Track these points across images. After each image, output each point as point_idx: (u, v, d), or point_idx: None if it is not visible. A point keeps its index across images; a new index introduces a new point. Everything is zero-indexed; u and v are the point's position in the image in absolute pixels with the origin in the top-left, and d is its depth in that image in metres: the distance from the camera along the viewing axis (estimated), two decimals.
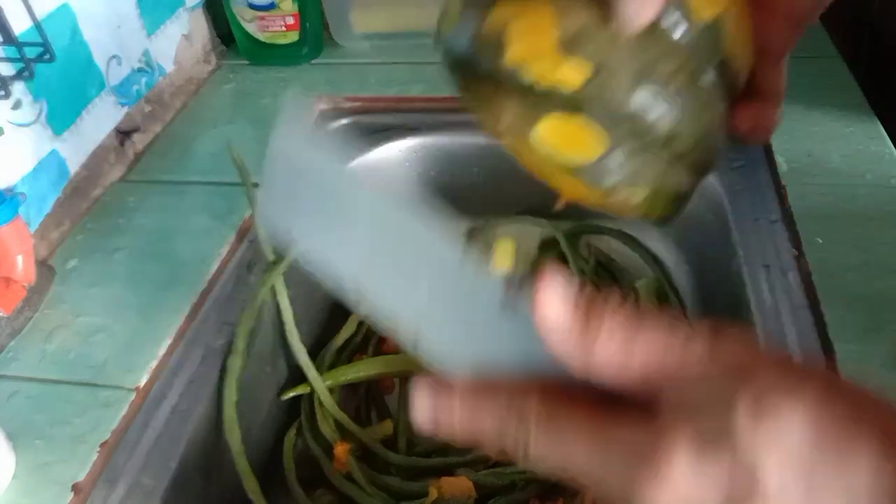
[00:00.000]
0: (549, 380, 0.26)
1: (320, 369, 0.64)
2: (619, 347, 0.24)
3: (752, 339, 0.24)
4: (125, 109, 0.73)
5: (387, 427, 0.63)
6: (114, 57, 0.70)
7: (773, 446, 0.21)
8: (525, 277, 0.27)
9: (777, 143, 0.67)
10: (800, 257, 0.57)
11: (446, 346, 0.28)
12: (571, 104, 0.29)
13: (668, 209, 0.33)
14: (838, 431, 0.21)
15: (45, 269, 0.62)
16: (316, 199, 0.29)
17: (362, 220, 0.29)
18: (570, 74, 0.29)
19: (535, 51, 0.29)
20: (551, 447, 0.25)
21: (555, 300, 0.25)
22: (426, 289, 0.28)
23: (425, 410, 0.27)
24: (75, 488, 0.47)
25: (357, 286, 0.29)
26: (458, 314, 0.28)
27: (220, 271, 0.62)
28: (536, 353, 0.26)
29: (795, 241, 0.58)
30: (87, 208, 0.70)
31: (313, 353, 0.64)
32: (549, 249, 0.75)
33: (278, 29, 0.86)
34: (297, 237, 0.30)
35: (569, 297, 0.25)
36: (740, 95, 0.34)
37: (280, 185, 0.30)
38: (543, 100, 0.30)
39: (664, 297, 0.71)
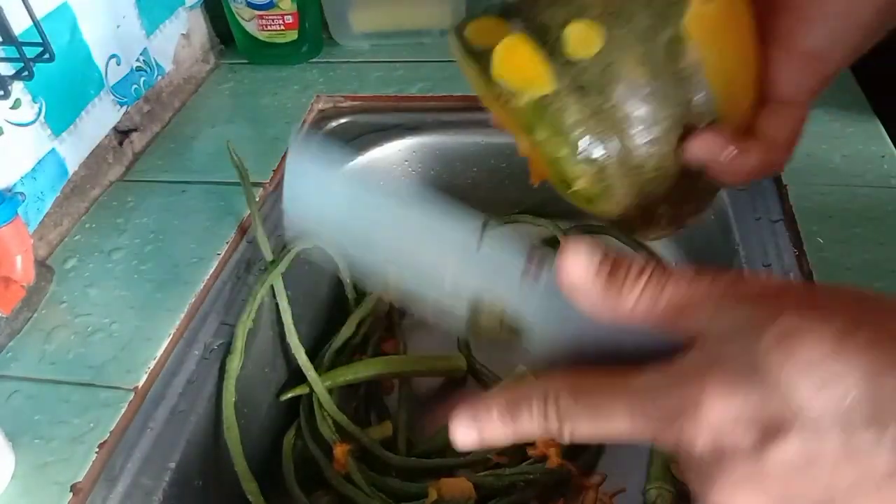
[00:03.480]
0: (573, 364, 0.27)
1: (319, 370, 0.63)
2: (646, 284, 0.25)
3: (775, 279, 0.25)
4: (124, 109, 0.73)
5: (386, 428, 0.63)
6: (113, 56, 0.70)
7: (805, 374, 0.21)
8: (544, 251, 0.28)
9: None
10: (801, 257, 0.57)
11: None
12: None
13: (635, 219, 0.33)
14: (867, 356, 0.21)
15: (44, 268, 0.62)
16: (339, 197, 0.30)
17: (384, 217, 0.30)
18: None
19: None
20: (592, 421, 0.25)
21: (580, 258, 0.26)
22: (450, 276, 0.29)
23: (470, 435, 0.28)
24: (74, 488, 0.47)
25: (384, 277, 0.30)
26: (487, 291, 0.29)
27: (218, 271, 0.62)
28: (562, 318, 0.27)
29: (796, 240, 0.58)
30: (86, 208, 0.70)
31: (312, 354, 0.64)
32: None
33: (277, 28, 0.86)
34: (321, 234, 0.31)
35: (594, 254, 0.26)
36: (739, 134, 0.33)
37: (303, 184, 0.31)
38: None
39: None
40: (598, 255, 0.26)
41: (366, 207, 0.30)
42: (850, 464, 0.21)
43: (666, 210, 0.32)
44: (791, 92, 0.34)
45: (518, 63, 0.30)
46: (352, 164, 0.76)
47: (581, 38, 0.29)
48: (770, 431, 0.22)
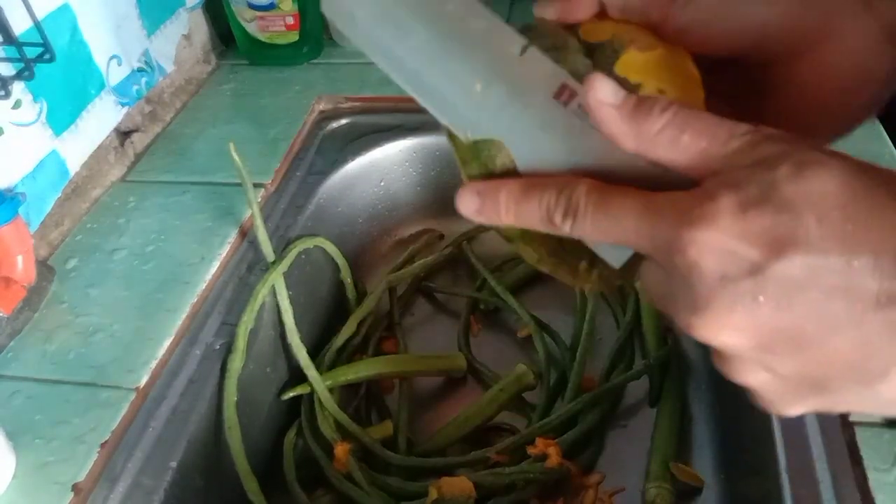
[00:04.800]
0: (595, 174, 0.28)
1: (320, 369, 0.64)
2: (671, 119, 0.26)
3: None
4: (125, 109, 0.73)
5: (387, 427, 0.63)
6: (114, 57, 0.70)
7: (815, 199, 0.23)
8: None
9: None
10: None
11: (500, 137, 0.29)
12: None
13: (560, 268, 0.33)
14: (872, 195, 0.23)
15: (45, 269, 0.62)
16: None
17: (422, 9, 0.30)
18: None
19: None
20: (600, 214, 0.26)
21: (611, 83, 0.26)
22: (482, 79, 0.29)
23: (471, 199, 0.29)
24: (75, 488, 0.47)
25: (414, 75, 0.30)
26: (511, 104, 0.29)
27: (220, 271, 0.62)
28: (586, 147, 0.28)
29: None
30: (87, 208, 0.70)
31: (313, 354, 0.64)
32: None
33: (278, 29, 0.86)
34: (357, 26, 0.31)
35: (620, 89, 0.27)
36: None
37: None
38: None
39: None
40: (624, 90, 0.27)
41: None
42: (842, 291, 0.23)
43: (586, 267, 0.32)
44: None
45: None
46: (352, 163, 0.76)
47: None
48: (776, 247, 0.23)
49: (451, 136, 0.31)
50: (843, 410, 0.26)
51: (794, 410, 0.26)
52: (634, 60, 0.30)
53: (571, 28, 0.32)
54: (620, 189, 0.26)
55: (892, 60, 0.30)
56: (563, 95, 0.28)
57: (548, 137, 0.28)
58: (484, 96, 0.29)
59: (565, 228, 0.27)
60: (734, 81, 0.33)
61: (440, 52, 0.30)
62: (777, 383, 0.25)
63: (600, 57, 0.30)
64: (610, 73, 0.29)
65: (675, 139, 0.25)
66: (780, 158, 0.24)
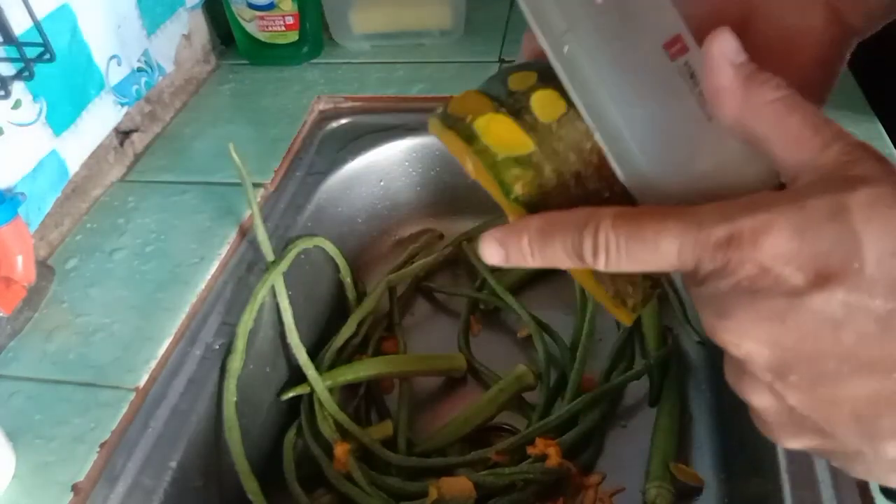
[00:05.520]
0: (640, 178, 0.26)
1: (320, 369, 0.64)
2: (783, 97, 0.24)
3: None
4: (125, 109, 0.73)
5: (386, 427, 0.63)
6: (113, 57, 0.70)
7: (883, 237, 0.21)
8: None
9: None
10: None
11: (591, 73, 0.27)
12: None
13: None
14: None
15: (44, 269, 0.62)
16: None
17: None
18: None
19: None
20: (634, 244, 0.24)
21: (735, 40, 0.25)
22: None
23: (496, 250, 0.28)
24: (75, 488, 0.47)
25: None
26: (617, 38, 0.27)
27: (219, 271, 0.62)
28: (673, 115, 0.26)
29: None
30: (87, 208, 0.70)
31: (313, 354, 0.64)
32: None
33: (278, 29, 0.87)
34: None
35: (743, 51, 0.25)
36: None
37: None
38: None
39: (664, 294, 0.71)
40: (746, 54, 0.25)
41: None
42: (878, 340, 0.22)
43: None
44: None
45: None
46: (352, 163, 0.76)
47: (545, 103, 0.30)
48: (822, 277, 0.22)
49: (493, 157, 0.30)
50: (838, 463, 0.25)
51: (789, 444, 0.25)
52: None
53: None
54: (651, 211, 0.25)
55: (823, 18, 0.29)
56: (675, 47, 0.27)
57: (640, 87, 0.27)
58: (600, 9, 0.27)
59: (599, 265, 0.25)
60: None
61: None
62: (781, 412, 0.24)
63: None
64: None
65: (782, 117, 0.24)
66: (862, 182, 0.22)
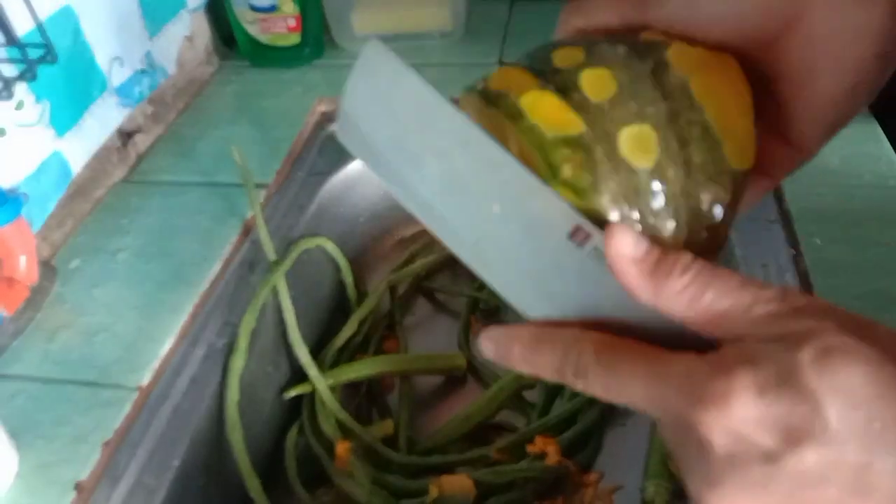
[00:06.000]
0: (607, 325, 0.27)
1: (322, 368, 0.64)
2: (692, 280, 0.25)
3: (820, 299, 0.25)
4: (127, 110, 0.73)
5: (388, 426, 0.64)
6: (116, 58, 0.70)
7: (839, 391, 0.22)
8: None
9: None
10: (798, 257, 0.57)
11: (508, 273, 0.29)
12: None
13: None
14: None
15: (47, 269, 0.62)
16: (395, 117, 0.30)
17: (440, 139, 0.29)
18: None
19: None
20: (609, 377, 0.25)
21: (631, 234, 0.26)
22: (496, 212, 0.29)
23: (491, 348, 0.29)
24: (78, 487, 0.48)
25: (426, 203, 0.31)
26: (524, 242, 0.28)
27: (222, 271, 0.63)
28: (599, 292, 0.27)
29: (793, 240, 0.59)
30: (90, 209, 0.70)
31: (315, 353, 0.65)
32: None
33: (280, 30, 0.87)
34: (372, 151, 0.31)
35: (643, 240, 0.26)
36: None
37: (361, 100, 0.31)
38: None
39: None
40: (646, 242, 0.26)
41: (422, 127, 0.29)
42: (860, 489, 0.22)
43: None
44: (775, 174, 0.34)
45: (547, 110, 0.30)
46: (353, 163, 0.76)
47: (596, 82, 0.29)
48: (791, 439, 0.22)
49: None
50: None
51: None
52: (685, 52, 0.29)
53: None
54: (630, 349, 0.26)
55: (872, 45, 0.29)
56: (578, 237, 0.27)
57: (561, 279, 0.28)
58: (499, 222, 0.29)
59: (578, 386, 0.27)
60: None
61: (453, 190, 0.30)
62: None
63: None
64: (662, 61, 0.29)
65: (695, 299, 0.25)
66: (804, 339, 0.22)
